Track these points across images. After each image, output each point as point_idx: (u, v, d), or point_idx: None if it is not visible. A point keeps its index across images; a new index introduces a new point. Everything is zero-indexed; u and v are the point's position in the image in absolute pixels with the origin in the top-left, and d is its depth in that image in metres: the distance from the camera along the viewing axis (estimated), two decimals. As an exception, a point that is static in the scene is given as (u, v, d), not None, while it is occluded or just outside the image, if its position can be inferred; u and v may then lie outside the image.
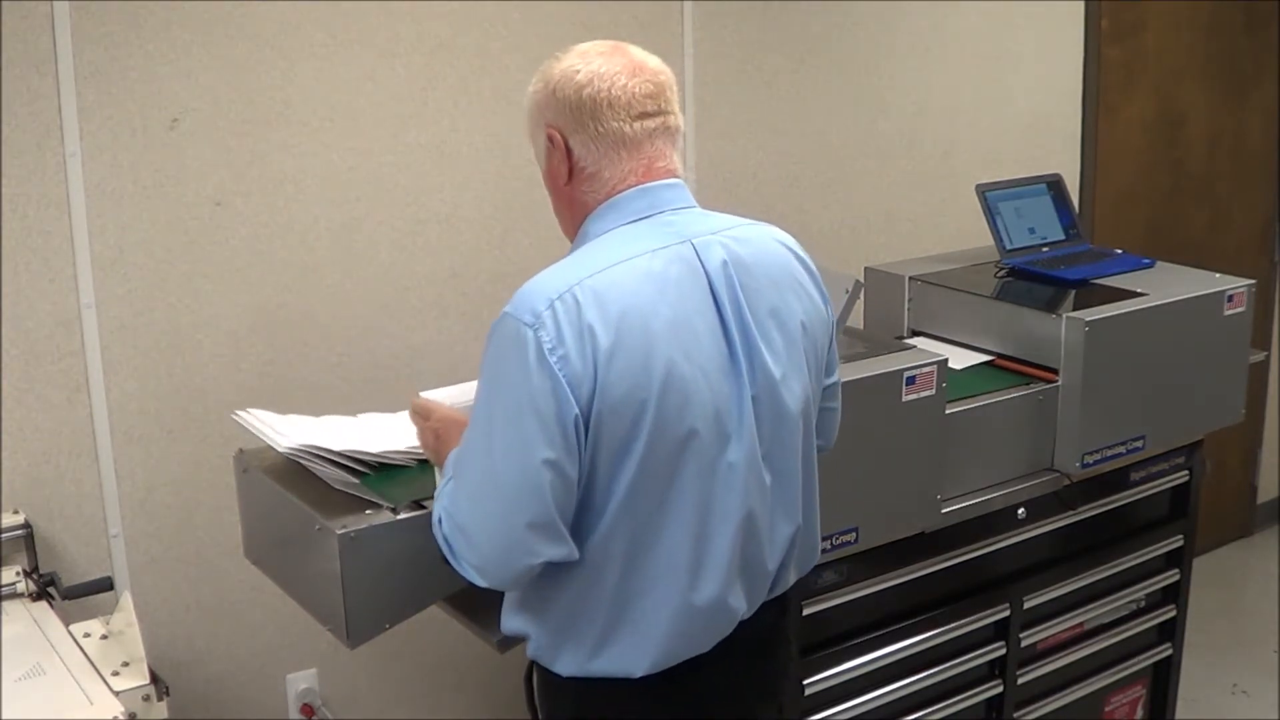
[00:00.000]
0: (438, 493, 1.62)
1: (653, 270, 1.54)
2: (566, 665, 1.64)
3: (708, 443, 1.56)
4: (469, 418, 1.61)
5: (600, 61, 1.59)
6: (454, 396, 1.80)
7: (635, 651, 1.61)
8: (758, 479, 1.62)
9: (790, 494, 1.69)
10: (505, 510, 1.50)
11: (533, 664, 1.72)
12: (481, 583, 1.57)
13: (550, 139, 1.61)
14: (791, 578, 1.76)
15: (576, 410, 1.48)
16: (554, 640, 1.64)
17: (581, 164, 1.60)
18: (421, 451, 1.90)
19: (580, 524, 1.56)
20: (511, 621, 1.69)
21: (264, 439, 1.93)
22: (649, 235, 1.57)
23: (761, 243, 1.66)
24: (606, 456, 1.52)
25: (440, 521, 1.58)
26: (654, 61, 1.62)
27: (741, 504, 1.60)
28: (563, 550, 1.54)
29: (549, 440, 1.48)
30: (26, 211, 2.30)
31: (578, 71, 1.58)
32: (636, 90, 1.58)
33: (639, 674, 1.62)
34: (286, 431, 1.94)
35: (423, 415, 1.78)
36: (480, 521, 1.53)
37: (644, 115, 1.59)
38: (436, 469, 1.76)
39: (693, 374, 1.53)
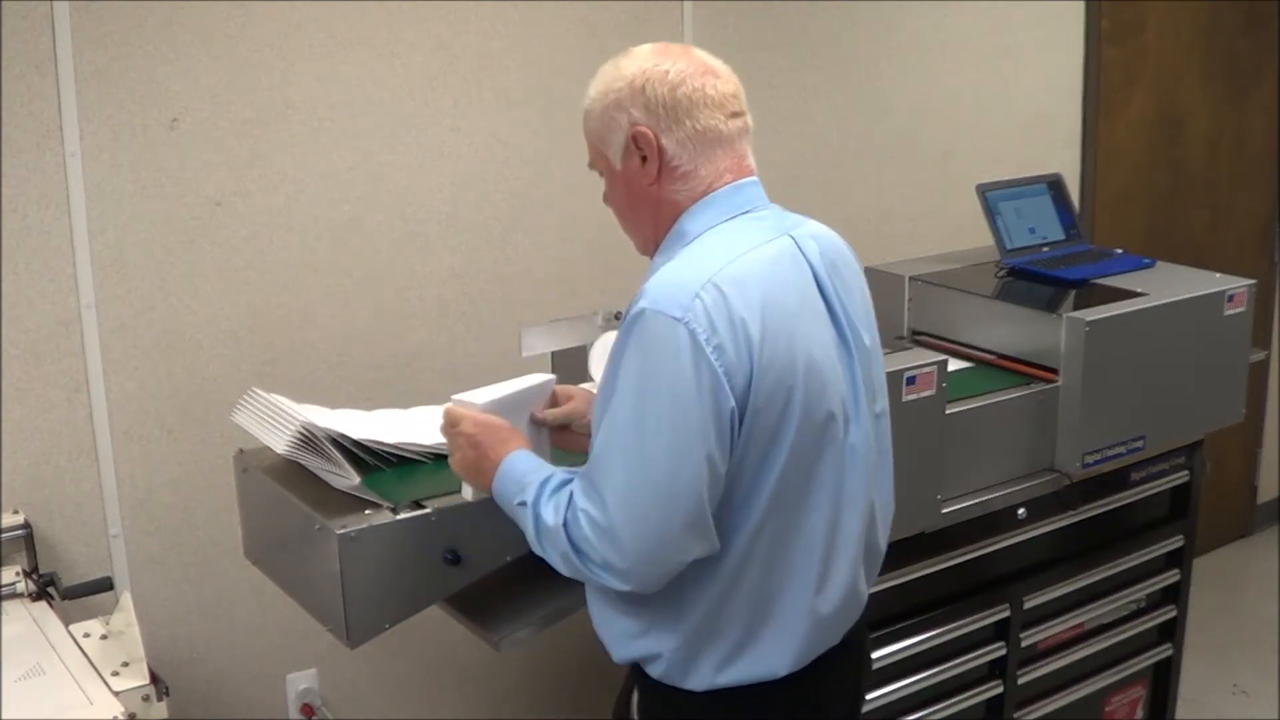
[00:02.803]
0: (529, 498, 1.58)
1: (774, 260, 1.57)
2: (701, 678, 1.61)
3: (840, 426, 1.59)
4: (502, 418, 1.67)
5: (683, 62, 1.60)
6: (490, 395, 1.75)
7: (779, 650, 1.60)
8: (872, 461, 1.66)
9: (886, 474, 1.73)
10: (662, 511, 1.48)
11: (636, 693, 1.68)
12: (621, 586, 1.53)
13: (638, 138, 1.59)
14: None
15: (733, 403, 1.48)
16: (689, 653, 1.60)
17: (675, 162, 1.59)
18: (437, 447, 1.90)
19: (725, 520, 1.54)
20: (636, 646, 1.64)
21: (263, 440, 1.92)
22: (754, 230, 1.60)
23: (832, 239, 1.71)
24: (757, 448, 1.52)
25: (566, 526, 1.52)
26: (721, 64, 1.64)
27: (865, 486, 1.64)
28: (708, 547, 1.53)
29: (706, 436, 1.47)
30: (26, 211, 2.30)
31: (667, 71, 1.58)
32: (726, 90, 1.61)
33: (783, 673, 1.60)
34: (305, 414, 1.93)
35: (452, 423, 1.71)
36: (633, 523, 1.48)
37: (734, 114, 1.62)
38: (468, 482, 1.73)
39: (824, 358, 1.57)
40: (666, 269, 1.53)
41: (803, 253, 1.62)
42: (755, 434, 1.51)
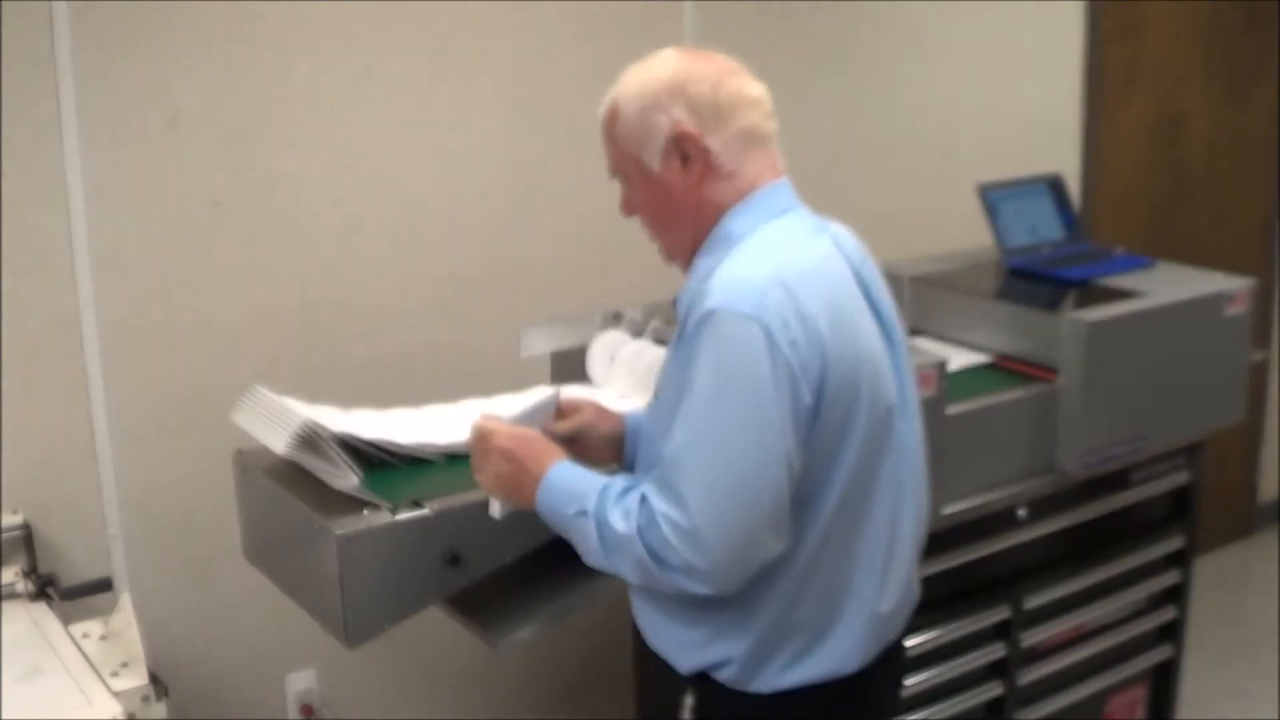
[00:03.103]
0: (589, 507, 1.54)
1: (825, 258, 1.58)
2: (770, 679, 1.59)
3: (898, 419, 1.61)
4: (532, 429, 1.65)
5: (716, 64, 1.60)
6: (512, 411, 1.72)
7: (847, 646, 1.60)
8: (921, 454, 1.69)
9: (924, 468, 1.73)
10: (747, 511, 1.46)
11: (690, 698, 1.64)
12: (703, 590, 1.49)
13: (682, 139, 1.57)
14: None
15: (808, 399, 1.48)
16: (760, 655, 1.59)
17: (719, 162, 1.58)
18: (451, 448, 1.90)
19: (797, 516, 1.53)
20: (704, 654, 1.61)
21: (262, 440, 1.92)
22: (800, 229, 1.61)
23: (855, 239, 1.73)
24: (828, 443, 1.52)
25: (642, 532, 1.49)
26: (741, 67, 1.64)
27: (916, 478, 1.67)
28: (785, 545, 1.53)
29: (785, 433, 1.47)
30: (26, 211, 2.29)
31: (706, 71, 1.57)
32: (760, 90, 1.62)
33: (851, 670, 1.60)
34: (318, 415, 1.93)
35: (483, 437, 1.65)
36: (717, 524, 1.45)
37: (770, 114, 1.63)
38: (503, 499, 1.68)
39: (879, 352, 1.59)
40: (727, 268, 1.52)
41: (841, 251, 1.63)
42: (827, 429, 1.52)
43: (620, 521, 1.50)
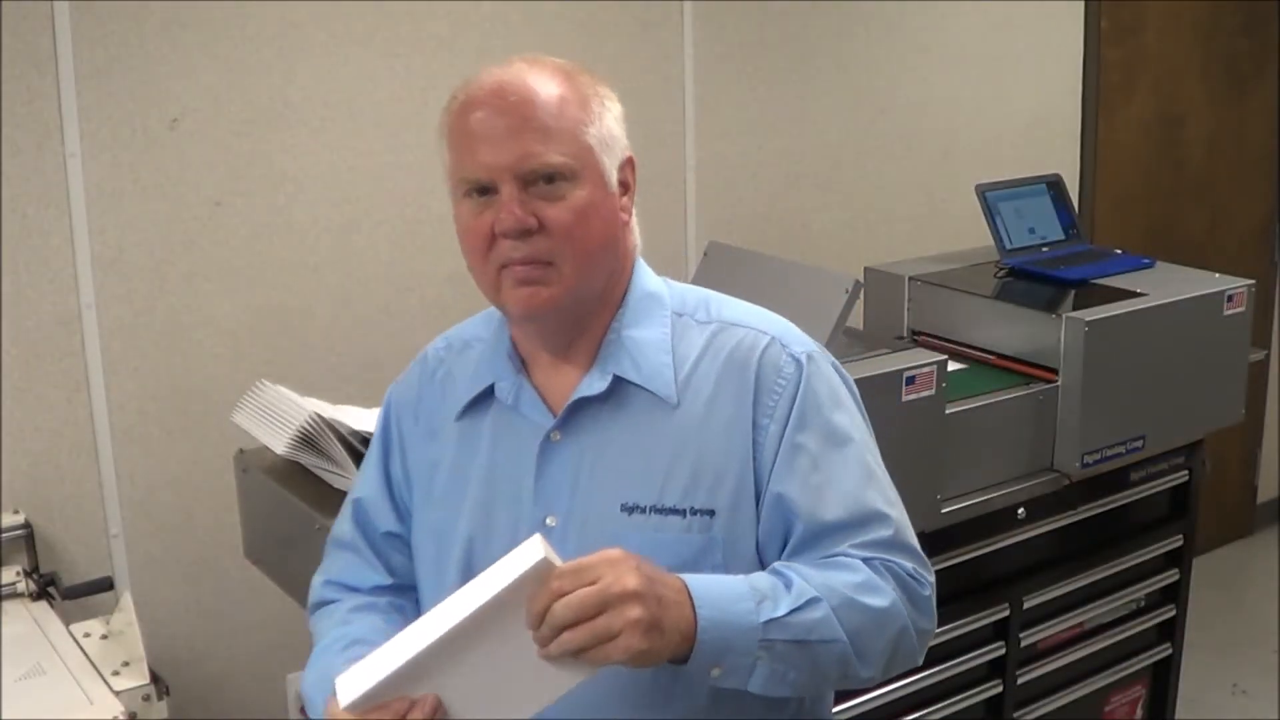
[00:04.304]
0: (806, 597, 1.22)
1: None
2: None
3: None
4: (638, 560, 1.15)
5: None
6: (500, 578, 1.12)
7: None
8: None
9: None
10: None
11: None
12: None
13: (632, 163, 1.34)
14: None
15: None
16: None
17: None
18: None
19: None
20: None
21: (262, 439, 1.93)
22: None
23: None
24: None
25: (909, 590, 1.30)
26: None
27: None
28: None
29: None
30: (26, 211, 2.30)
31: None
32: None
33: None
34: (342, 415, 1.93)
35: (595, 578, 1.11)
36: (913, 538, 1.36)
37: None
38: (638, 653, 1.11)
39: None
40: (752, 314, 1.37)
41: None
42: None
43: (876, 598, 1.26)
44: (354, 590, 1.44)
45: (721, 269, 2.37)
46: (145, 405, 2.45)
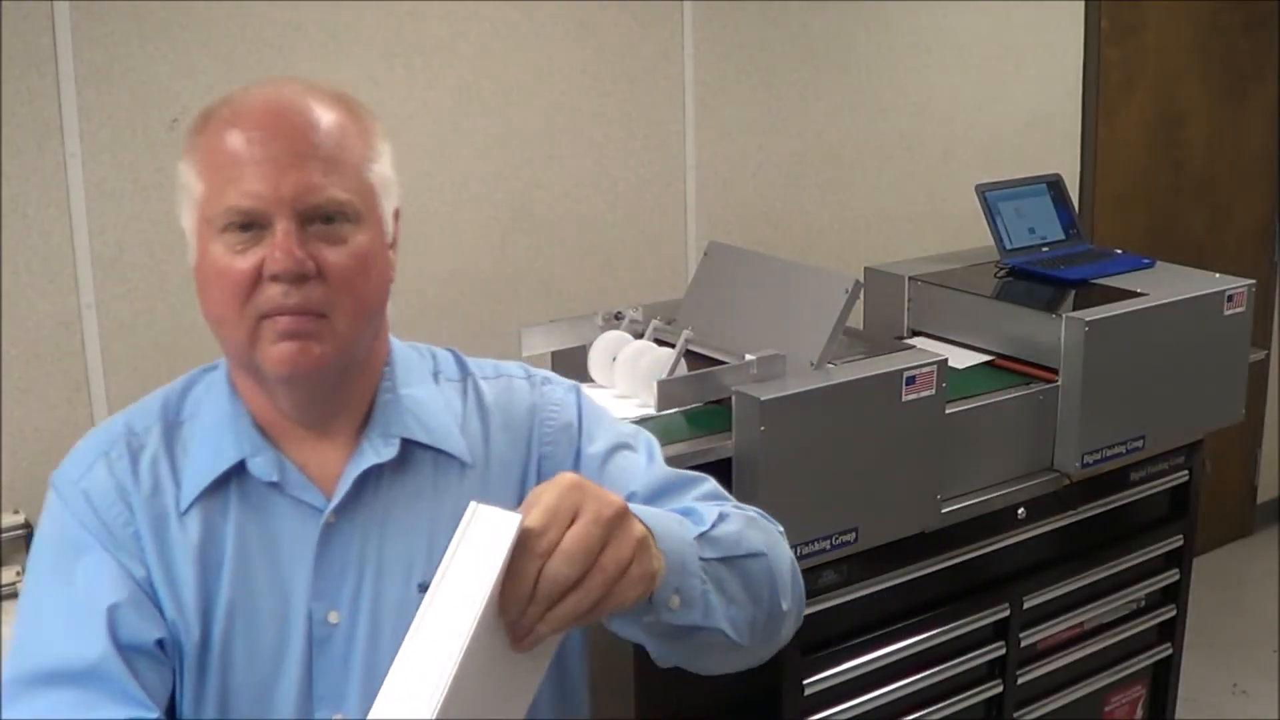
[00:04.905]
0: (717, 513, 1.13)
1: None
2: None
3: None
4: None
5: None
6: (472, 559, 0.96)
7: None
8: None
9: None
10: None
11: None
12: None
13: (397, 217, 1.20)
14: None
15: None
16: None
17: None
18: None
19: None
20: None
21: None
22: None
23: None
24: None
25: (765, 518, 1.22)
26: None
27: None
28: None
29: None
30: (26, 211, 2.30)
31: None
32: None
33: None
34: None
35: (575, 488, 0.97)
36: None
37: None
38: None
39: None
40: (493, 364, 1.33)
41: None
42: None
43: (761, 520, 1.19)
44: None
45: (721, 269, 2.37)
46: (145, 405, 2.45)
